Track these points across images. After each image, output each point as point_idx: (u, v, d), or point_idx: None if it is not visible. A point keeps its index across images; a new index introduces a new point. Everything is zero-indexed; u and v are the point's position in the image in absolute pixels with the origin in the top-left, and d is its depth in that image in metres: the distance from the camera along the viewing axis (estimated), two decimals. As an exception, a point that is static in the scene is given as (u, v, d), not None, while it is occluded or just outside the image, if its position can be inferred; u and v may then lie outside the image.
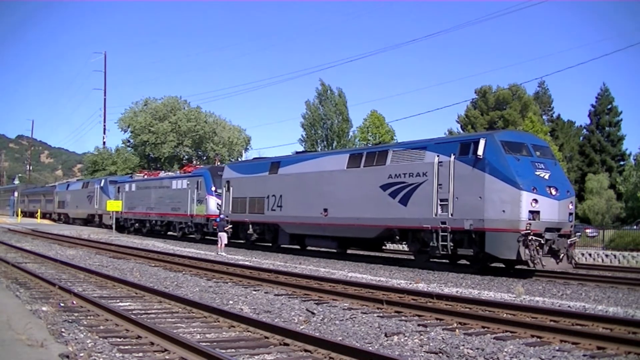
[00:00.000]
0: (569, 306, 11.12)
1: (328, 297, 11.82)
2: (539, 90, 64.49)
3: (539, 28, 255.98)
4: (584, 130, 64.19)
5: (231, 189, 27.74)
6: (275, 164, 25.74)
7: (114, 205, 37.96)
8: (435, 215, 17.75)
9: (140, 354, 6.98)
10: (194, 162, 55.30)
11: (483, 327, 8.89)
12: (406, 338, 8.11)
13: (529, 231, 15.84)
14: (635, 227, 38.05)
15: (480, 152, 16.67)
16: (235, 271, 16.25)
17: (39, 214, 60.22)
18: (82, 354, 6.63)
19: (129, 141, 62.11)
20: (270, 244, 26.43)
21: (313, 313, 10.06)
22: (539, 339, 8.11)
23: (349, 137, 54.28)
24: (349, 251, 23.82)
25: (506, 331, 8.59)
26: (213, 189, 30.22)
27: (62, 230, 39.25)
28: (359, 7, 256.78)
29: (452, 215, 17.28)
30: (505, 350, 7.46)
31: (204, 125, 57.83)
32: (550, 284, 14.90)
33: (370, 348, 7.38)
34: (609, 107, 61.73)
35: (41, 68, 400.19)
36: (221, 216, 26.76)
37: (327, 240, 22.83)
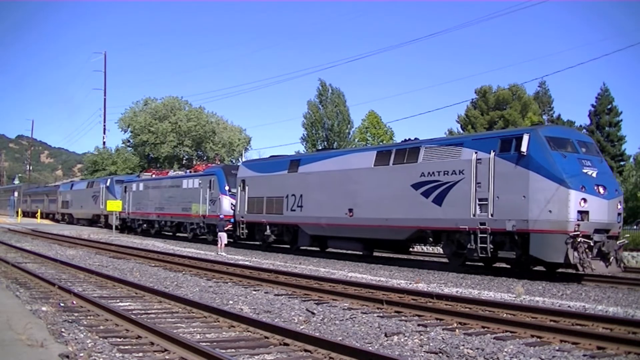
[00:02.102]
0: (569, 306, 11.12)
1: (328, 297, 11.82)
2: (539, 90, 64.43)
3: (539, 28, 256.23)
4: (584, 130, 64.13)
5: (247, 188, 26.66)
6: (295, 162, 24.68)
7: (114, 205, 37.91)
8: (474, 215, 16.81)
9: (140, 354, 6.98)
10: (194, 162, 55.25)
11: (483, 327, 8.89)
12: (406, 338, 8.11)
13: (578, 233, 14.99)
14: (635, 227, 38.04)
15: (523, 148, 15.74)
16: (235, 271, 16.25)
17: (38, 214, 60.11)
18: (82, 354, 6.62)
19: (129, 141, 62.10)
20: (289, 246, 25.43)
21: (313, 313, 10.06)
22: (539, 339, 8.11)
23: (350, 137, 54.28)
24: (375, 253, 22.76)
25: (506, 331, 8.59)
26: (227, 188, 29.07)
27: (62, 230, 39.24)
28: (359, 7, 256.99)
29: (492, 215, 16.36)
30: (505, 350, 7.46)
31: (205, 125, 57.79)
32: (550, 284, 14.88)
33: (370, 348, 7.38)
34: (609, 107, 61.66)
35: (41, 68, 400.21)
36: (221, 216, 26.75)
37: (352, 242, 21.80)
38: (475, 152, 17.04)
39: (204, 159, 58.06)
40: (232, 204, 28.12)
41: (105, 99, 64.28)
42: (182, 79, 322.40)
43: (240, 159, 56.08)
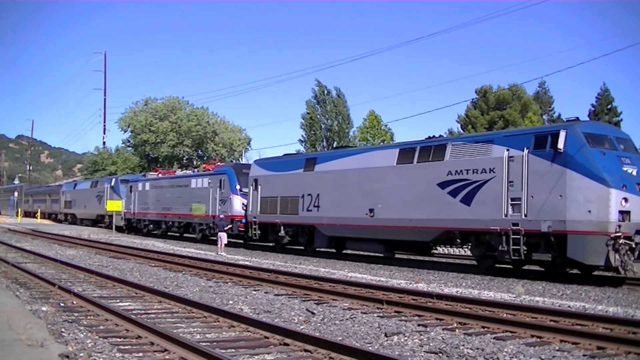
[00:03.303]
0: (569, 306, 11.12)
1: (328, 297, 11.82)
2: (539, 90, 64.42)
3: (539, 28, 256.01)
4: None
5: (259, 187, 25.75)
6: (311, 161, 23.87)
7: (114, 205, 37.82)
8: (506, 215, 16.07)
9: (140, 354, 6.98)
10: (194, 162, 55.27)
11: (483, 327, 8.89)
12: (406, 338, 8.12)
13: (619, 234, 14.26)
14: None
15: (560, 145, 15.00)
16: (235, 271, 16.26)
17: (38, 214, 60.03)
18: (82, 354, 6.63)
19: (129, 141, 62.15)
20: (303, 248, 24.59)
21: (313, 313, 10.06)
22: (539, 339, 8.11)
23: (350, 137, 54.28)
24: (397, 255, 21.95)
25: (506, 331, 8.59)
26: (238, 187, 28.28)
27: (62, 230, 39.24)
28: (359, 7, 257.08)
29: (525, 216, 15.62)
30: (505, 350, 7.46)
31: (206, 125, 57.80)
32: (550, 284, 14.88)
33: (370, 348, 7.38)
34: (609, 107, 61.67)
35: (41, 68, 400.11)
36: (221, 216, 26.68)
37: (373, 243, 20.89)
38: (507, 150, 16.32)
39: (204, 159, 58.09)
40: (243, 204, 27.45)
41: (105, 99, 64.52)
42: (182, 79, 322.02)
43: (240, 159, 56.10)
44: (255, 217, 25.86)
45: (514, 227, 15.87)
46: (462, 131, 55.59)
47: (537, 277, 16.07)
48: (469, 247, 18.51)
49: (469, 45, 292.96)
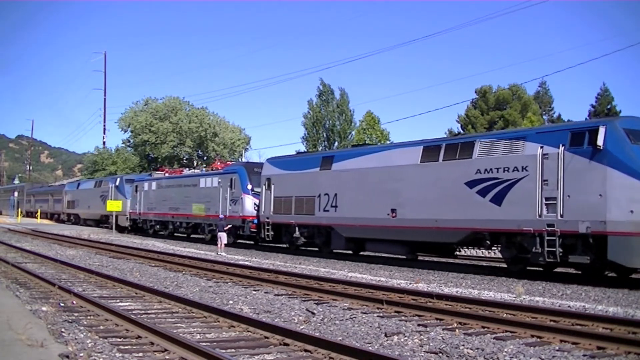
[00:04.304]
0: (569, 306, 11.12)
1: (328, 297, 11.82)
2: (539, 90, 64.44)
3: (539, 28, 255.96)
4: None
5: (272, 187, 24.99)
6: (327, 159, 23.10)
7: (114, 205, 37.64)
8: (540, 216, 15.37)
9: (140, 354, 6.98)
10: (194, 162, 55.27)
11: (483, 327, 8.89)
12: (406, 338, 8.12)
13: None
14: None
15: (599, 141, 14.31)
16: (235, 271, 16.26)
17: (38, 213, 59.96)
18: (82, 354, 6.63)
19: (129, 141, 62.18)
20: (318, 249, 23.87)
21: (313, 313, 10.06)
22: (539, 339, 8.11)
23: (351, 137, 54.30)
24: (420, 258, 21.14)
25: (506, 331, 8.59)
26: (249, 187, 27.37)
27: (62, 230, 39.24)
28: (359, 7, 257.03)
29: (561, 216, 14.93)
30: (505, 350, 7.46)
31: (207, 126, 57.80)
32: (550, 284, 14.88)
33: (370, 348, 7.38)
34: (609, 107, 61.67)
35: (41, 68, 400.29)
36: (221, 216, 26.65)
37: (395, 245, 20.13)
38: (541, 147, 15.61)
39: (205, 159, 58.11)
40: (255, 203, 26.67)
41: (105, 99, 64.54)
42: (182, 79, 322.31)
43: (240, 159, 56.09)
44: (268, 218, 25.16)
45: (549, 228, 15.16)
46: (462, 131, 55.62)
47: (537, 277, 16.06)
48: (499, 248, 17.83)
49: (469, 45, 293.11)
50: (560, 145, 15.30)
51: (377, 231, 20.37)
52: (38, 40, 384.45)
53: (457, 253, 22.17)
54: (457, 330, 8.71)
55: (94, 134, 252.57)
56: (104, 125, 64.46)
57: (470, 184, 17.19)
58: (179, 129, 57.00)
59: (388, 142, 47.73)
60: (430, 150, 18.83)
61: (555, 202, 15.17)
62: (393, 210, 19.57)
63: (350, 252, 23.17)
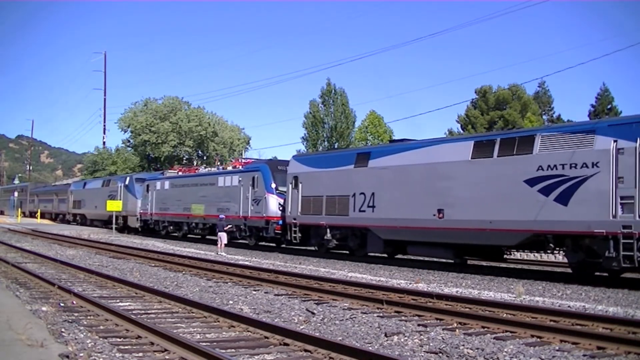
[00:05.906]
0: (569, 306, 11.12)
1: (328, 297, 11.82)
2: (539, 90, 64.45)
3: (539, 28, 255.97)
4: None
5: (300, 185, 23.53)
6: (363, 155, 21.53)
7: (114, 205, 37.36)
8: (614, 217, 14.00)
9: (140, 354, 6.98)
10: (195, 162, 55.25)
11: (483, 327, 8.89)
12: (406, 338, 8.12)
13: None
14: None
15: None
16: (235, 271, 16.26)
17: (38, 214, 59.82)
18: (82, 354, 6.63)
19: (129, 141, 62.17)
20: (349, 252, 22.79)
21: (313, 313, 10.06)
22: (539, 339, 8.11)
23: (352, 137, 54.31)
24: (468, 262, 19.91)
25: (506, 331, 8.59)
26: (273, 185, 25.86)
27: (62, 230, 39.23)
28: (359, 7, 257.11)
29: (639, 217, 13.74)
30: (505, 350, 7.46)
31: (206, 125, 57.78)
32: (550, 284, 14.88)
33: (370, 348, 7.38)
34: (609, 107, 61.66)
35: (41, 68, 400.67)
36: (221, 216, 26.61)
37: (441, 248, 18.73)
38: (615, 141, 14.19)
39: (205, 158, 58.10)
40: (280, 203, 25.23)
41: (105, 99, 64.53)
42: (182, 79, 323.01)
43: (240, 159, 56.05)
44: (295, 219, 23.70)
45: (625, 231, 13.79)
46: (462, 131, 55.59)
47: (537, 277, 16.06)
48: (564, 252, 16.60)
49: (469, 45, 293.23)
50: (638, 138, 13.90)
51: (421, 233, 18.84)
52: (38, 40, 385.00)
53: (506, 257, 20.54)
54: (457, 330, 8.71)
55: (94, 134, 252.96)
56: (104, 125, 64.53)
57: (531, 181, 15.79)
58: (179, 129, 57.01)
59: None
60: (483, 145, 17.50)
61: (632, 201, 13.80)
62: (440, 211, 18.13)
63: (385, 255, 21.87)
